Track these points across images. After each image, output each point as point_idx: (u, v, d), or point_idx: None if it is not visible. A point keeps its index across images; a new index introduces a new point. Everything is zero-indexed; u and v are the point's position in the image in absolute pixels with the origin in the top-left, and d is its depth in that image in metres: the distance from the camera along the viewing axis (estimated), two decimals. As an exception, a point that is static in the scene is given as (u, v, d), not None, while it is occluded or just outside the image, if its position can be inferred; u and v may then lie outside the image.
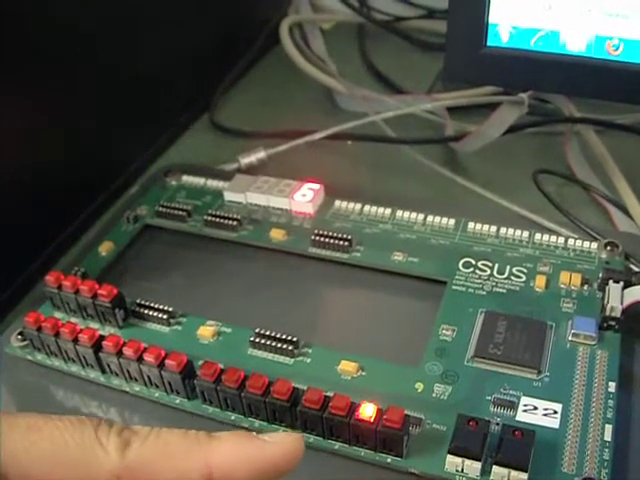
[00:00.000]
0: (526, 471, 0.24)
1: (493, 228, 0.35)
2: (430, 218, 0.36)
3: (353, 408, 0.26)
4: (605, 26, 0.33)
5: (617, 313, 0.29)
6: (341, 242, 0.35)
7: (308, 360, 0.30)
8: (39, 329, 0.30)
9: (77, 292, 0.32)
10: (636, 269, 0.33)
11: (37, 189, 0.37)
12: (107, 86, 0.41)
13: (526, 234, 0.35)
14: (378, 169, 0.45)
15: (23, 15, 0.34)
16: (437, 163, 0.43)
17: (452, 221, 0.36)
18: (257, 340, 0.30)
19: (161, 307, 0.32)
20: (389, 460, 0.26)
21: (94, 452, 0.18)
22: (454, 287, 0.33)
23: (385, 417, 0.25)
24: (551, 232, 0.35)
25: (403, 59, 0.57)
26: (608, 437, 0.26)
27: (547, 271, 0.33)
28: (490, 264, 0.34)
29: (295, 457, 0.20)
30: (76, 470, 0.18)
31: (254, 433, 0.20)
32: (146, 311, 0.32)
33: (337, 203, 0.38)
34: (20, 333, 0.32)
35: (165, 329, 0.32)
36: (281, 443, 0.20)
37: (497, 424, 0.26)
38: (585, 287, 0.32)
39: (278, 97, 0.53)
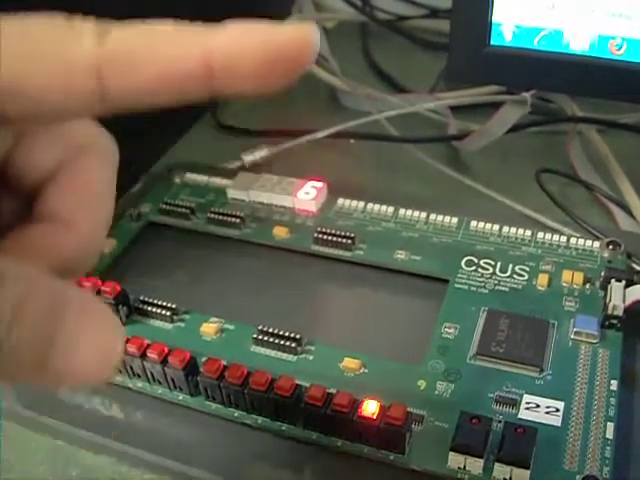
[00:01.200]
0: (528, 468, 0.24)
1: (496, 227, 0.36)
2: (433, 216, 0.36)
3: (356, 405, 0.26)
4: (608, 26, 0.33)
5: (619, 312, 0.30)
6: (344, 240, 0.35)
7: (311, 357, 0.30)
8: (43, 325, 0.30)
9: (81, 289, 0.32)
10: (638, 268, 0.33)
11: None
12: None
13: (528, 233, 0.35)
14: (381, 168, 0.45)
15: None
16: (440, 162, 0.43)
17: (455, 220, 0.36)
18: (260, 337, 0.30)
19: (164, 304, 0.32)
20: (391, 457, 0.26)
21: (67, 37, 0.15)
22: (456, 285, 0.33)
23: (388, 414, 0.25)
24: (554, 231, 0.35)
25: (406, 58, 0.57)
26: (610, 435, 0.26)
27: (549, 270, 0.33)
28: (492, 262, 0.34)
29: (310, 44, 0.16)
30: (48, 58, 0.15)
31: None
32: (149, 308, 0.32)
33: (340, 201, 0.38)
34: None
35: (168, 326, 0.32)
36: (293, 29, 0.16)
37: (499, 422, 0.26)
38: (587, 286, 0.32)
39: (281, 96, 0.53)
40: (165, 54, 0.15)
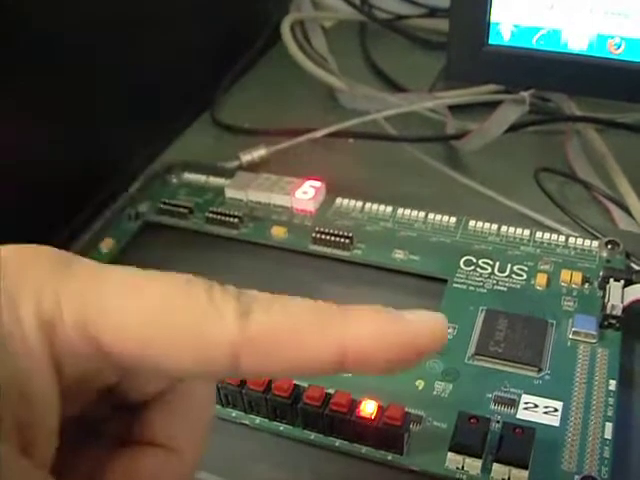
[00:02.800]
0: (526, 468, 0.24)
1: (494, 226, 0.35)
2: (431, 216, 0.36)
3: (354, 405, 0.26)
4: (607, 25, 0.33)
5: (618, 311, 0.30)
6: (342, 240, 0.35)
7: (309, 357, 0.30)
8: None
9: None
10: (637, 267, 0.33)
11: (37, 187, 0.37)
12: (109, 84, 0.41)
13: (527, 232, 0.35)
14: (379, 167, 0.45)
15: (24, 13, 0.34)
16: (438, 161, 0.43)
17: (453, 219, 0.36)
18: (258, 337, 0.30)
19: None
20: (390, 457, 0.26)
21: (208, 317, 0.15)
22: (455, 285, 0.33)
23: (386, 414, 0.25)
24: (552, 230, 0.35)
25: (405, 57, 0.57)
26: (608, 435, 0.26)
27: (548, 269, 0.33)
28: (491, 262, 0.34)
29: (440, 337, 0.16)
30: (186, 338, 0.15)
31: (391, 309, 0.17)
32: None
33: (338, 201, 0.38)
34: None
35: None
36: (425, 321, 0.16)
37: (498, 422, 0.26)
38: (586, 285, 0.32)
39: (279, 95, 0.53)
40: (304, 344, 0.15)
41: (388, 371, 0.16)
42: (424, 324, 0.16)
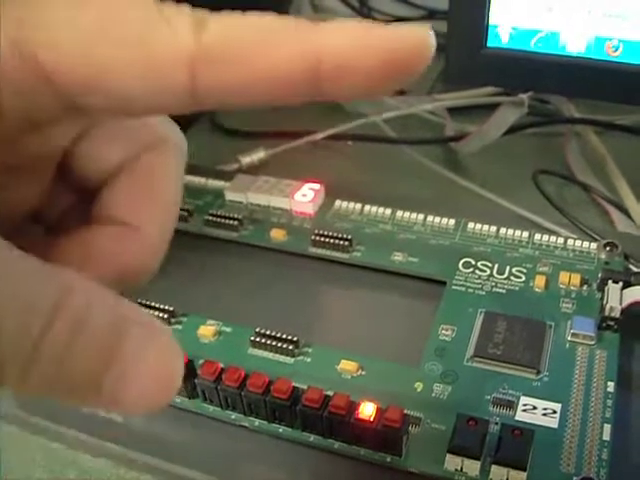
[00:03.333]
0: (525, 470, 0.24)
1: (493, 228, 0.36)
2: (430, 218, 0.36)
3: (353, 407, 0.26)
4: (605, 27, 0.33)
5: (616, 313, 0.30)
6: (341, 242, 0.35)
7: (308, 359, 0.30)
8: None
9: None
10: (635, 269, 0.33)
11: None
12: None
13: (526, 234, 0.35)
14: (378, 169, 0.45)
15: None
16: (437, 163, 0.43)
17: (452, 221, 0.36)
18: (257, 339, 0.30)
19: (162, 306, 0.32)
20: (388, 459, 0.26)
21: (158, 28, 0.13)
22: (454, 287, 0.33)
23: (385, 416, 0.25)
24: (551, 232, 0.35)
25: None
26: (607, 437, 0.26)
27: (546, 271, 0.33)
28: (490, 264, 0.34)
29: (428, 49, 0.14)
30: (135, 52, 0.13)
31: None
32: (147, 310, 0.32)
33: (337, 203, 0.38)
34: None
35: (166, 328, 0.32)
36: (410, 30, 0.14)
37: (496, 424, 0.26)
38: (584, 287, 0.32)
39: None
40: (270, 51, 0.13)
41: (369, 89, 0.14)
42: (407, 32, 0.14)
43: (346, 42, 0.14)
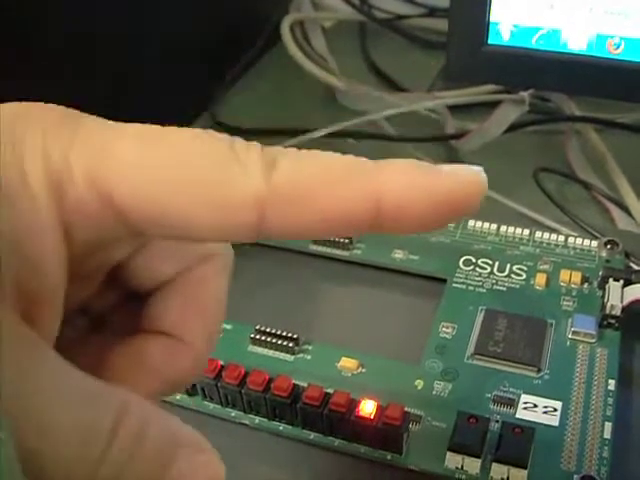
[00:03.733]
0: (525, 468, 0.24)
1: (493, 226, 0.35)
2: (430, 216, 0.36)
3: (353, 405, 0.26)
4: (606, 24, 0.33)
5: (617, 311, 0.30)
6: (342, 239, 0.35)
7: (308, 357, 0.30)
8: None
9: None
10: (636, 267, 0.33)
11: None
12: (109, 84, 0.41)
13: (526, 232, 0.35)
14: (379, 167, 0.45)
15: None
16: (438, 161, 0.43)
17: (453, 219, 0.36)
18: (258, 337, 0.30)
19: (162, 304, 0.32)
20: (389, 457, 0.26)
21: (230, 170, 0.14)
22: (454, 285, 0.33)
23: (385, 414, 0.25)
24: (551, 230, 0.35)
25: (404, 57, 0.57)
26: (607, 435, 0.26)
27: (547, 269, 0.33)
28: (490, 262, 0.34)
29: (478, 192, 0.15)
30: (206, 192, 0.14)
31: (427, 163, 0.15)
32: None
33: (338, 201, 0.38)
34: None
35: (166, 326, 0.32)
36: (463, 175, 0.15)
37: (497, 421, 0.26)
38: (585, 285, 0.32)
39: (279, 95, 0.53)
40: (337, 195, 0.14)
41: (425, 226, 0.15)
42: (462, 176, 0.15)
43: (405, 185, 0.14)
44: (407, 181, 0.14)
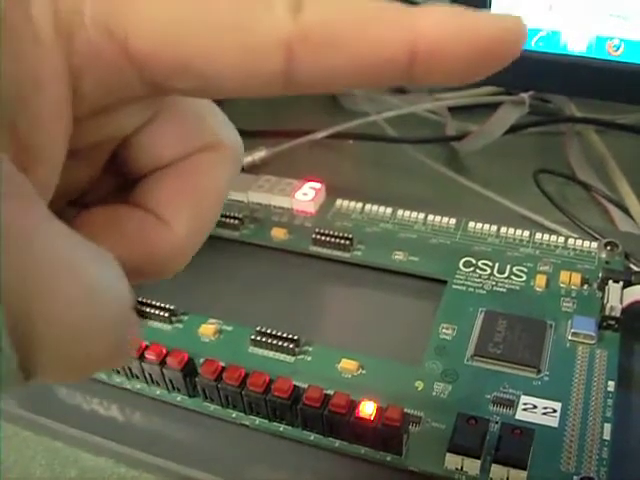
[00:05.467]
0: (525, 469, 0.24)
1: (494, 227, 0.36)
2: (431, 217, 0.37)
3: (353, 406, 0.26)
4: (606, 26, 0.33)
5: (617, 313, 0.30)
6: (342, 241, 0.35)
7: (309, 358, 0.30)
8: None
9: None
10: (636, 269, 0.33)
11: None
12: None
13: (526, 234, 0.35)
14: (379, 168, 0.45)
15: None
16: (438, 162, 0.43)
17: (453, 220, 0.36)
18: (258, 338, 0.30)
19: (163, 305, 0.32)
20: (389, 458, 0.26)
21: (255, 9, 0.13)
22: (454, 286, 0.33)
23: (385, 415, 0.25)
24: (551, 232, 0.35)
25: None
26: (607, 436, 0.26)
27: (547, 270, 0.33)
28: (490, 263, 0.34)
29: (522, 37, 0.14)
30: (231, 33, 0.13)
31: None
32: (148, 309, 0.32)
33: (338, 202, 0.38)
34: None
35: (167, 327, 0.32)
36: (503, 20, 0.14)
37: (497, 423, 0.26)
38: (585, 287, 0.32)
39: (280, 96, 0.53)
40: (370, 36, 0.13)
41: (459, 76, 0.14)
42: (502, 20, 0.13)
43: (441, 28, 0.13)
44: (445, 23, 0.13)
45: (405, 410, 0.26)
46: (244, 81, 0.13)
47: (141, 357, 0.29)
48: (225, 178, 0.17)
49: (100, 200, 0.17)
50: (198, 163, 0.17)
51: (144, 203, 0.17)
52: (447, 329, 0.31)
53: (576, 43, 0.34)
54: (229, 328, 0.31)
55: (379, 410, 0.26)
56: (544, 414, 0.27)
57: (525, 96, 0.42)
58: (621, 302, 0.30)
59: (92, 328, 0.12)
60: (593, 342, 0.29)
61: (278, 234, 0.37)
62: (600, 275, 0.32)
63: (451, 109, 0.47)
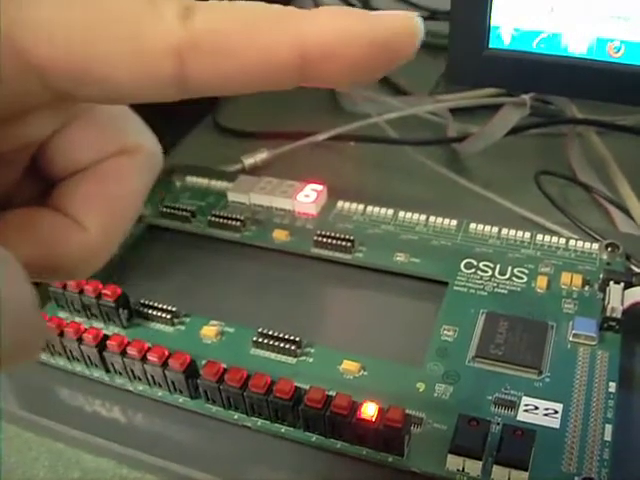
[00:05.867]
0: (527, 470, 0.24)
1: (495, 229, 0.36)
2: (432, 219, 0.37)
3: (355, 407, 0.26)
4: (606, 28, 0.33)
5: (618, 314, 0.30)
6: (344, 243, 0.35)
7: (310, 360, 0.30)
8: (44, 328, 0.31)
9: (81, 292, 0.32)
10: (637, 270, 0.33)
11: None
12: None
13: (528, 235, 0.35)
14: (381, 170, 0.45)
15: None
16: (439, 164, 0.43)
17: (454, 222, 0.36)
18: (260, 340, 0.30)
19: (165, 307, 0.32)
20: (390, 459, 0.26)
21: (146, 17, 0.13)
22: (456, 288, 0.33)
23: (386, 416, 0.25)
24: (552, 233, 0.35)
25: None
26: (608, 437, 0.26)
27: (548, 272, 0.33)
28: (492, 265, 0.34)
29: (416, 35, 0.14)
30: (123, 41, 0.13)
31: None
32: (150, 311, 0.32)
33: (340, 204, 0.38)
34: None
35: (169, 329, 0.32)
36: (394, 18, 0.14)
37: (498, 424, 0.26)
38: (586, 288, 0.32)
39: (281, 98, 0.53)
40: (258, 43, 0.13)
41: (354, 77, 0.14)
42: (393, 18, 0.14)
43: (330, 30, 0.13)
44: (332, 26, 0.13)
45: (407, 411, 0.26)
46: (140, 86, 0.14)
47: (143, 359, 0.29)
48: (141, 182, 0.18)
49: (25, 203, 0.17)
50: (114, 167, 0.17)
51: (61, 206, 0.17)
52: (448, 330, 0.31)
53: (577, 45, 0.34)
54: (231, 330, 0.32)
55: (381, 411, 0.26)
56: (545, 415, 0.27)
57: (526, 97, 0.42)
58: (622, 303, 0.30)
59: None
60: (594, 343, 0.29)
61: (280, 236, 0.37)
62: (601, 276, 0.32)
63: (452, 111, 0.47)
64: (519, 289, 0.32)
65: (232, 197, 0.39)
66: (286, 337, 0.30)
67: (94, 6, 0.13)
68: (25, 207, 0.17)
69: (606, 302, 0.30)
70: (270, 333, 0.30)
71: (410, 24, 0.14)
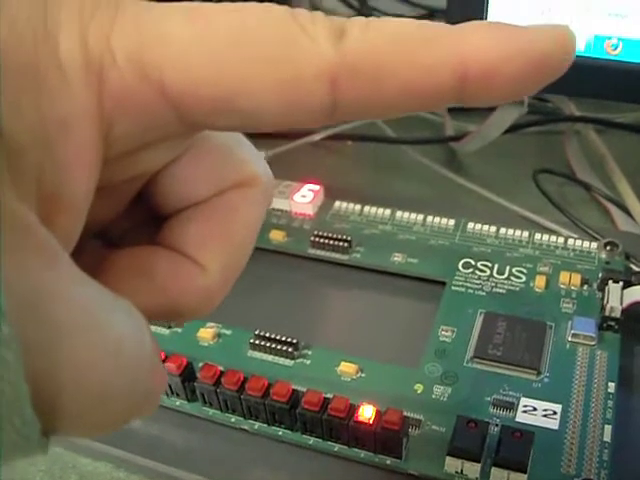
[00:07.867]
0: (525, 472, 0.24)
1: (493, 228, 0.35)
2: (430, 219, 0.36)
3: (352, 410, 0.26)
4: (604, 26, 0.33)
5: (617, 313, 0.29)
6: (341, 243, 0.35)
7: (308, 362, 0.30)
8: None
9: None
10: (636, 269, 0.33)
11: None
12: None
13: (526, 234, 0.35)
14: (378, 169, 0.45)
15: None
16: (437, 163, 0.43)
17: (452, 221, 0.36)
18: (257, 342, 0.30)
19: (161, 309, 0.32)
20: (388, 462, 0.26)
21: (296, 41, 0.12)
22: (454, 288, 0.33)
23: (384, 419, 0.25)
24: (551, 232, 0.35)
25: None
26: (607, 438, 0.26)
27: (547, 271, 0.33)
28: (490, 264, 0.34)
29: (572, 49, 0.13)
30: (274, 67, 0.12)
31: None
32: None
33: (337, 204, 0.38)
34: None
35: (165, 331, 0.32)
36: (551, 32, 0.13)
37: (497, 425, 0.26)
38: (585, 287, 0.32)
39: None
40: (418, 63, 0.12)
41: (514, 93, 0.13)
42: (549, 33, 0.13)
43: (492, 48, 0.13)
44: (493, 43, 0.13)
45: (404, 413, 0.26)
46: (287, 114, 0.13)
47: (139, 362, 0.29)
48: (259, 215, 0.17)
49: (125, 232, 0.17)
50: (232, 201, 0.16)
51: (174, 243, 0.16)
52: (446, 331, 0.30)
53: (574, 42, 0.34)
54: (228, 332, 0.31)
55: (378, 413, 0.25)
56: (544, 416, 0.27)
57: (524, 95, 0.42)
58: (621, 303, 0.30)
59: (116, 387, 0.12)
60: (593, 343, 0.29)
61: (276, 236, 0.36)
62: (600, 275, 0.32)
63: (450, 109, 0.47)
64: (517, 289, 0.32)
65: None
66: (283, 339, 0.30)
67: (239, 31, 0.12)
68: (137, 246, 0.16)
69: (605, 301, 0.30)
70: (267, 335, 0.30)
71: (567, 36, 0.13)
